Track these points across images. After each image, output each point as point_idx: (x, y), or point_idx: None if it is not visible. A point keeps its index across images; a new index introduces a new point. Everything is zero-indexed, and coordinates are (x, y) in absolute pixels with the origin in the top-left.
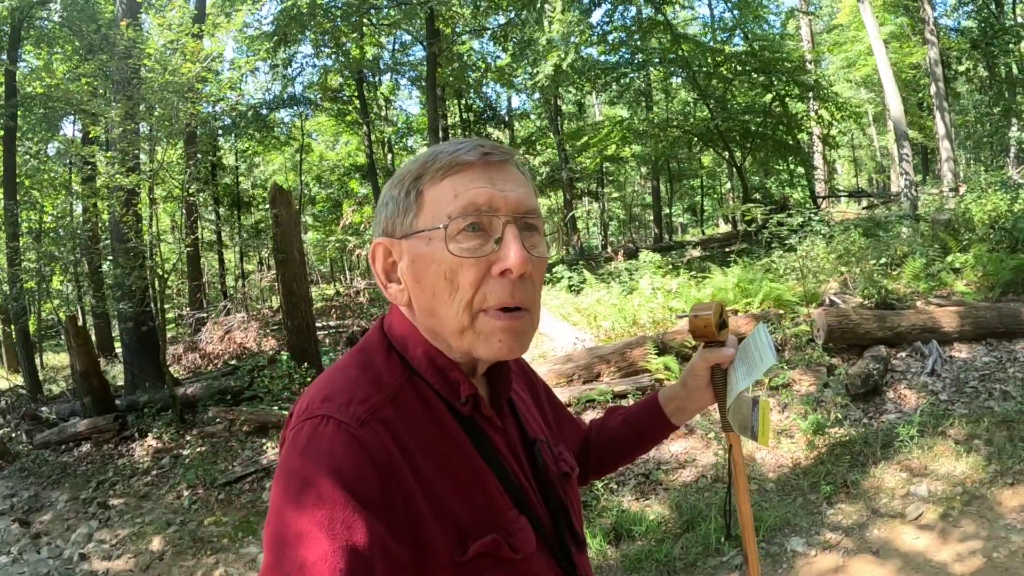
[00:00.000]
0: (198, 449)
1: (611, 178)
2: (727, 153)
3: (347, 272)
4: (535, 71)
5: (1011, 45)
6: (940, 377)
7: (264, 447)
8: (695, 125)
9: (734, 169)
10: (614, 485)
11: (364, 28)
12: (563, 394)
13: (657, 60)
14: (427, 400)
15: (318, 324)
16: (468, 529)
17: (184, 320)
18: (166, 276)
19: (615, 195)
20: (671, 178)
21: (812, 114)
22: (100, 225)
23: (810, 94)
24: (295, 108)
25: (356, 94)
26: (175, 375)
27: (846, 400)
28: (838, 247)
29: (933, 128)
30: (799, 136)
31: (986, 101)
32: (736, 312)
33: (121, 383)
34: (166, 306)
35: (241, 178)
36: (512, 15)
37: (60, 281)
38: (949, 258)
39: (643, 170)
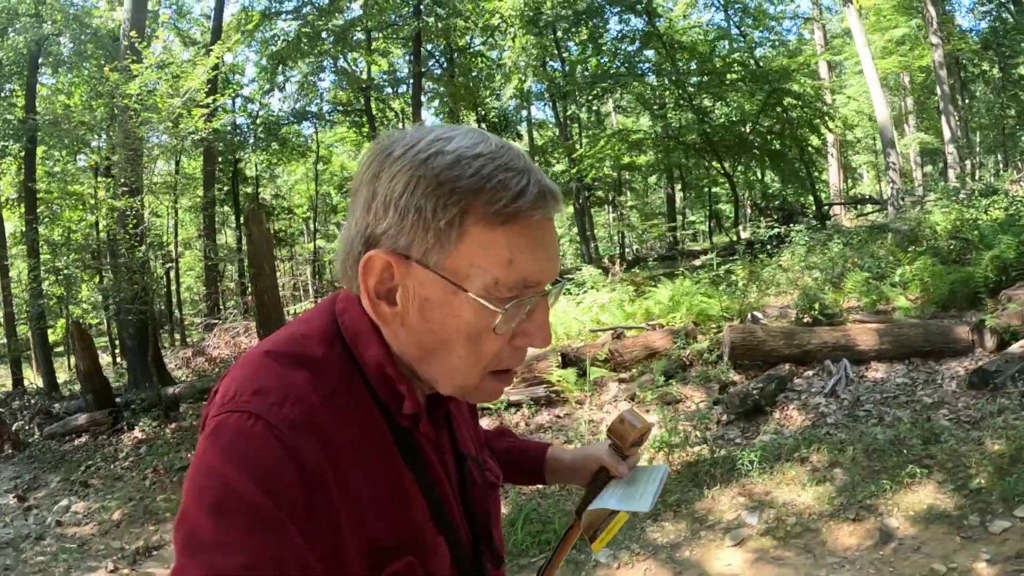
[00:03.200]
0: (170, 439)
1: (633, 186)
2: (717, 163)
3: None
4: (502, 92)
5: (1023, 44)
6: (839, 398)
7: None
8: (684, 134)
9: (726, 178)
10: None
11: (359, 48)
12: None
13: (644, 72)
14: (364, 404)
15: None
16: (385, 548)
17: (196, 326)
18: (155, 287)
19: (629, 204)
20: (684, 186)
21: (808, 123)
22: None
23: (800, 102)
24: (307, 123)
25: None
26: (184, 377)
27: (731, 417)
28: (792, 260)
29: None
30: (809, 143)
31: (999, 103)
32: (662, 326)
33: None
34: (189, 312)
35: (264, 188)
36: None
37: (90, 288)
38: (900, 271)
39: (655, 179)
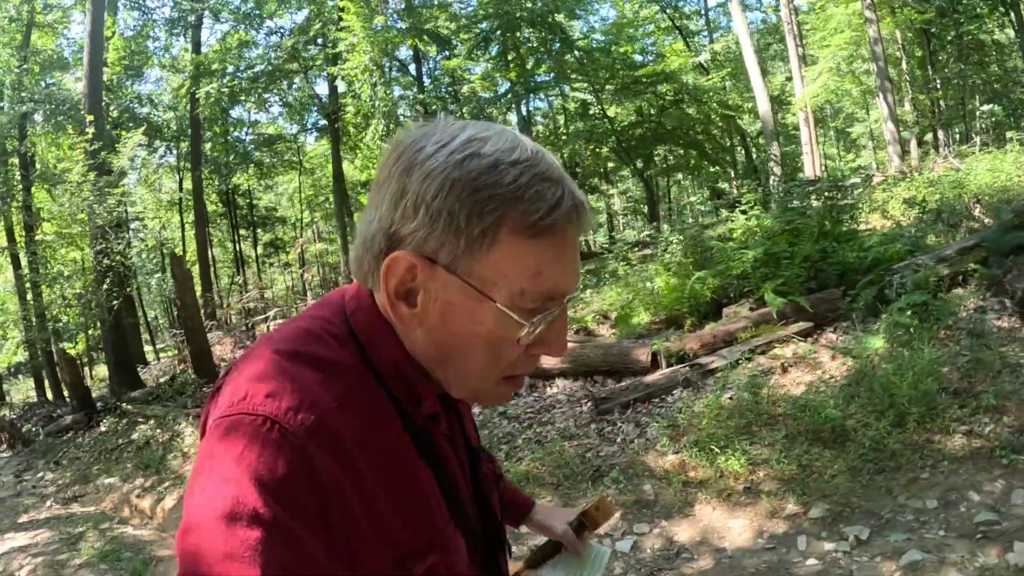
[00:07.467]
0: (118, 431)
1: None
2: (630, 162)
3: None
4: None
5: (980, 10)
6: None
7: (137, 429)
8: (600, 138)
9: (639, 176)
10: None
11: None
12: None
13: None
14: (379, 405)
15: None
16: (407, 550)
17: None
18: (108, 319)
19: (610, 192)
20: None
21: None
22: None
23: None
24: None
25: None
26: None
27: None
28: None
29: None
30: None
31: (956, 72)
32: None
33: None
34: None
35: (260, 199)
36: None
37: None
38: (657, 283)
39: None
